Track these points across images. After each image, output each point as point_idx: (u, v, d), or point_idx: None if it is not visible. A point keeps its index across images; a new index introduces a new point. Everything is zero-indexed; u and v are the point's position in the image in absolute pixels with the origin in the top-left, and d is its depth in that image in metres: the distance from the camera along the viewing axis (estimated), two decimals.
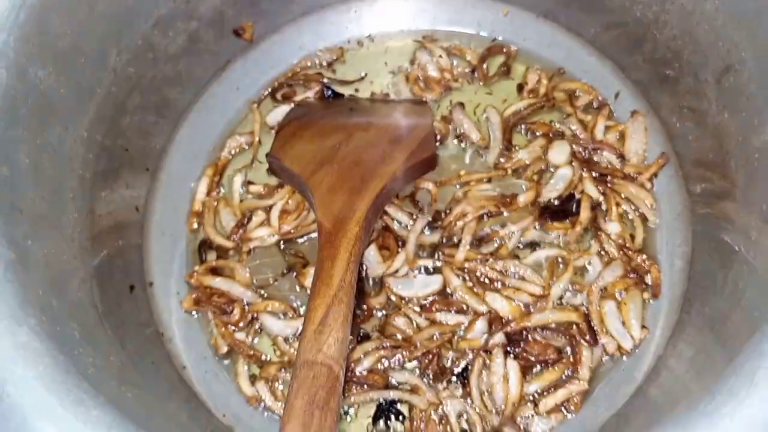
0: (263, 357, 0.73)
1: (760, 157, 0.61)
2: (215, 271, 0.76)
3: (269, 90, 0.86)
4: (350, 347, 0.72)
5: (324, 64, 0.87)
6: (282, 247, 0.78)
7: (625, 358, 0.71)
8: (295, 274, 0.76)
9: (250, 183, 0.81)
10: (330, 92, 0.85)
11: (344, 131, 0.76)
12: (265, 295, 0.75)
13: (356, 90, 0.85)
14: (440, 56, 0.85)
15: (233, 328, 0.73)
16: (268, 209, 0.79)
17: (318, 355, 0.54)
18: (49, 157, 0.58)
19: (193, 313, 0.75)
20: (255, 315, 0.74)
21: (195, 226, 0.79)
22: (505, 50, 0.85)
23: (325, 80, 0.85)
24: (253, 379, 0.72)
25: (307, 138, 0.76)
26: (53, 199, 0.58)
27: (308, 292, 0.73)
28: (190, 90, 0.82)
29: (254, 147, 0.83)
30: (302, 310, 0.74)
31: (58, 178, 0.60)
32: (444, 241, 0.76)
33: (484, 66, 0.85)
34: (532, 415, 0.70)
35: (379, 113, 0.81)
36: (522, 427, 0.69)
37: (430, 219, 0.77)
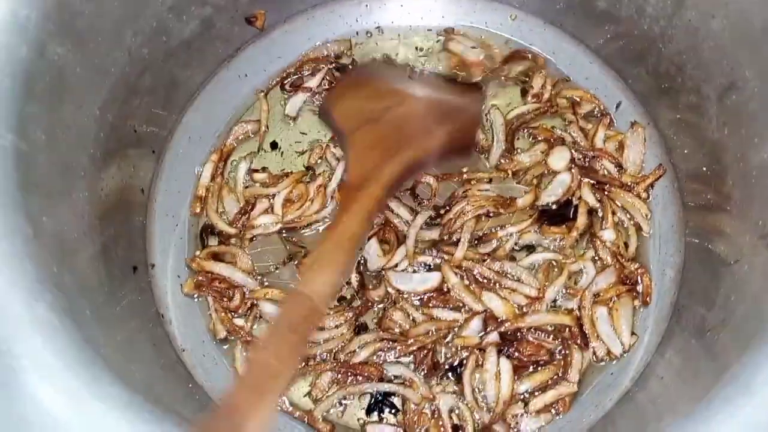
0: None
1: (758, 174, 0.62)
2: (217, 257, 0.76)
3: (277, 79, 0.86)
4: (348, 338, 0.74)
5: (332, 55, 0.88)
6: (284, 235, 0.78)
7: (614, 362, 0.73)
8: (296, 263, 0.77)
9: (255, 171, 0.81)
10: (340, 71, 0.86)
11: (397, 97, 0.77)
12: (266, 282, 0.76)
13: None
14: (472, 47, 0.86)
15: (233, 313, 0.74)
16: (271, 197, 0.80)
17: (305, 287, 0.58)
18: (63, 134, 0.58)
19: (194, 296, 0.75)
20: (255, 302, 0.75)
21: (198, 210, 0.80)
22: (530, 57, 0.86)
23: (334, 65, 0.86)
24: None
25: (362, 95, 0.79)
26: (66, 176, 0.59)
27: None
28: (200, 74, 0.83)
29: (260, 135, 0.84)
30: None
31: (71, 154, 0.60)
32: (443, 238, 0.78)
33: (506, 67, 0.86)
34: (522, 414, 0.72)
35: (435, 87, 0.82)
36: (511, 425, 0.71)
37: (430, 215, 0.78)
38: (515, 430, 0.71)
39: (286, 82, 0.86)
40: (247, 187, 0.81)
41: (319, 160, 0.82)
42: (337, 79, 0.84)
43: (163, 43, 0.74)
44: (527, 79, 0.85)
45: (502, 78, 0.86)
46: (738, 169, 0.67)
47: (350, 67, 0.86)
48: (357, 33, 0.88)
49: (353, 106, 0.77)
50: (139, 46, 0.70)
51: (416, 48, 0.89)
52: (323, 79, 0.86)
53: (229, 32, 0.82)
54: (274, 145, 0.84)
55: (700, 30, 0.68)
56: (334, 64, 0.86)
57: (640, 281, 0.76)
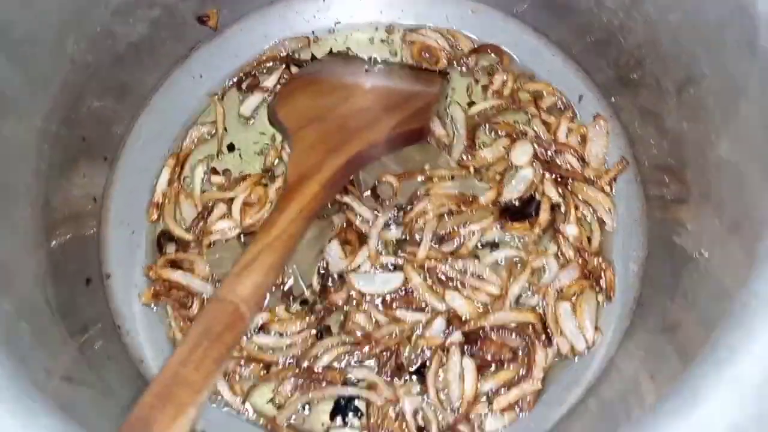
0: None
1: (715, 171, 0.62)
2: (174, 264, 0.75)
3: (234, 80, 0.84)
4: (310, 343, 0.73)
5: (290, 53, 0.86)
6: (243, 240, 0.77)
7: (577, 359, 0.73)
8: None
9: (215, 172, 0.80)
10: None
11: (345, 92, 0.77)
12: None
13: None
14: (436, 41, 0.85)
15: (192, 321, 0.73)
16: (229, 202, 0.78)
17: (229, 293, 0.57)
18: (2, 150, 0.56)
19: (152, 306, 0.74)
20: None
21: (155, 217, 0.78)
22: (494, 54, 0.85)
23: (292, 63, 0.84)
24: None
25: (309, 93, 0.78)
26: (4, 194, 0.57)
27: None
28: (152, 77, 0.81)
29: (219, 139, 0.82)
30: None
31: (11, 171, 0.58)
32: (406, 238, 0.77)
33: (470, 59, 0.85)
34: (486, 414, 0.71)
35: (390, 78, 0.82)
36: (476, 425, 0.71)
37: (392, 215, 0.77)
38: (480, 429, 0.71)
39: (242, 82, 0.85)
40: (204, 191, 0.79)
41: (277, 161, 0.81)
42: (288, 79, 0.82)
43: (110, 47, 0.72)
44: (490, 74, 0.84)
45: (464, 69, 0.85)
46: (697, 161, 0.67)
47: (311, 59, 0.85)
48: (314, 31, 0.86)
49: (300, 104, 0.77)
50: (84, 52, 0.68)
51: (379, 41, 0.87)
52: (280, 77, 0.84)
53: (180, 32, 0.80)
54: (231, 147, 0.82)
55: (658, 24, 0.67)
56: (291, 62, 0.84)
57: (603, 276, 0.76)
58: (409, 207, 0.77)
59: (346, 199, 0.77)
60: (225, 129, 0.82)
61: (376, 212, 0.77)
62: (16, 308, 0.53)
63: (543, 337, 0.73)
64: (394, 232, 0.77)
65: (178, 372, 0.51)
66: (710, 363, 0.51)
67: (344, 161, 0.70)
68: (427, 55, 0.86)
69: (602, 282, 0.76)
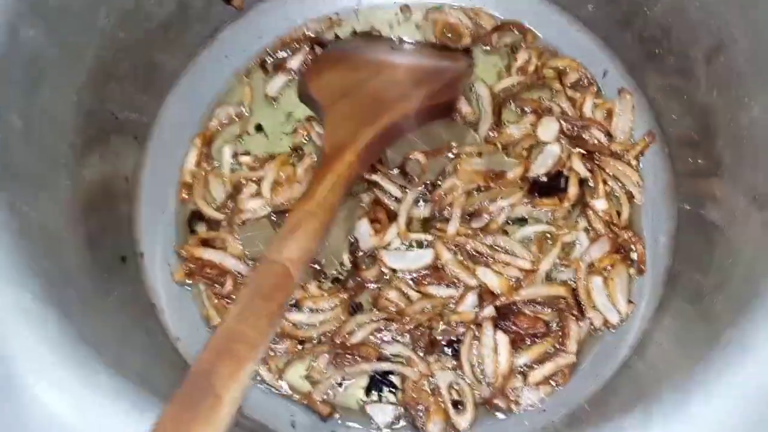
0: None
1: (748, 134, 0.62)
2: (206, 243, 0.75)
3: (259, 59, 0.85)
4: (344, 320, 0.73)
5: (314, 34, 0.86)
6: (274, 219, 0.77)
7: (611, 332, 0.73)
8: None
9: (240, 154, 0.80)
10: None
11: (375, 67, 0.79)
12: None
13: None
14: (459, 18, 0.86)
15: (226, 299, 0.73)
16: (259, 181, 0.78)
17: (277, 255, 0.59)
18: (40, 121, 0.57)
19: (186, 284, 0.74)
20: None
21: (185, 197, 0.78)
22: (518, 31, 0.85)
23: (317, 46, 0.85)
24: None
25: (340, 69, 0.80)
26: (47, 165, 0.57)
27: None
28: (179, 58, 0.81)
29: (244, 119, 0.82)
30: None
31: (51, 142, 0.58)
32: (435, 214, 0.77)
33: (494, 36, 0.85)
34: (522, 387, 0.71)
35: (417, 54, 0.84)
36: (511, 399, 0.71)
37: (420, 191, 0.77)
38: (515, 403, 0.71)
39: (266, 62, 0.85)
40: (233, 171, 0.80)
41: (305, 140, 0.81)
42: (318, 56, 0.83)
43: (140, 25, 0.72)
44: (513, 52, 0.84)
45: (488, 47, 0.85)
46: (728, 131, 0.67)
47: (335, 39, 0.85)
48: (337, 12, 0.87)
49: (330, 82, 0.78)
50: (114, 26, 0.68)
51: (398, 23, 0.87)
52: (305, 59, 0.84)
53: (206, 13, 0.80)
54: (258, 128, 0.82)
55: None
56: (315, 43, 0.85)
57: (634, 249, 0.76)
58: (437, 183, 0.78)
59: (375, 177, 0.77)
60: (250, 110, 0.83)
61: (404, 189, 0.77)
62: (63, 274, 0.53)
63: (575, 310, 0.73)
64: (423, 209, 0.77)
65: (234, 328, 0.52)
66: (742, 332, 0.51)
67: (377, 132, 0.72)
68: (449, 33, 0.86)
69: (633, 255, 0.76)
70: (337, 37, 0.86)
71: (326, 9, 0.87)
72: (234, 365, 0.49)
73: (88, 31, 0.64)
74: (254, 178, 0.78)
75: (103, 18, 0.66)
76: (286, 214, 0.75)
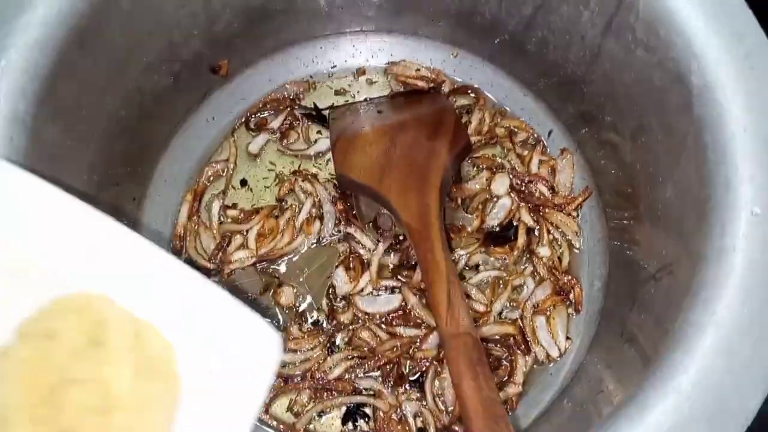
0: None
1: (663, 208, 0.74)
2: None
3: (242, 120, 0.94)
4: (322, 358, 0.83)
5: (292, 96, 0.96)
6: (259, 268, 0.87)
7: (552, 364, 0.85)
8: (271, 292, 0.86)
9: (227, 207, 0.89)
10: (303, 113, 0.94)
11: (386, 136, 0.85)
12: None
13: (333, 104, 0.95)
14: (417, 69, 0.96)
15: None
16: (245, 233, 0.88)
17: (458, 328, 0.65)
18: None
19: None
20: None
21: (178, 247, 0.87)
22: (473, 94, 0.96)
23: (297, 108, 0.95)
24: None
25: (359, 150, 0.85)
26: None
27: (284, 310, 0.84)
28: (171, 124, 0.89)
29: (227, 175, 0.91)
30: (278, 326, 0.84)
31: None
32: (403, 263, 0.88)
33: (451, 99, 0.95)
34: None
35: (405, 109, 0.90)
36: None
37: (391, 243, 0.88)
38: None
39: (250, 122, 0.94)
40: (221, 223, 0.89)
41: (289, 192, 0.90)
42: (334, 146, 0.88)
43: (138, 101, 0.80)
44: (468, 113, 0.95)
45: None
46: (648, 197, 0.78)
47: (313, 107, 0.94)
48: (312, 75, 0.96)
49: (361, 162, 0.83)
50: (117, 108, 0.76)
51: (368, 82, 0.97)
52: (285, 119, 0.94)
53: (196, 82, 0.89)
54: (243, 182, 0.92)
55: (614, 80, 0.78)
56: (297, 108, 0.94)
57: (572, 291, 0.88)
58: (405, 236, 0.88)
59: (350, 230, 0.88)
60: (235, 164, 0.92)
61: (376, 241, 0.88)
62: None
63: (522, 346, 0.85)
64: (393, 258, 0.88)
65: (487, 396, 0.60)
66: (666, 362, 0.59)
67: (438, 191, 0.77)
68: (408, 83, 0.97)
69: (572, 296, 0.88)
70: (315, 106, 0.95)
71: (303, 72, 0.96)
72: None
73: (97, 119, 0.72)
74: (240, 231, 0.88)
75: (109, 104, 0.74)
76: (274, 262, 0.86)
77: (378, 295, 0.87)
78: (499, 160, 0.94)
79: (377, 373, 0.84)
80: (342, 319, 0.85)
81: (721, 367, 0.55)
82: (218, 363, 0.50)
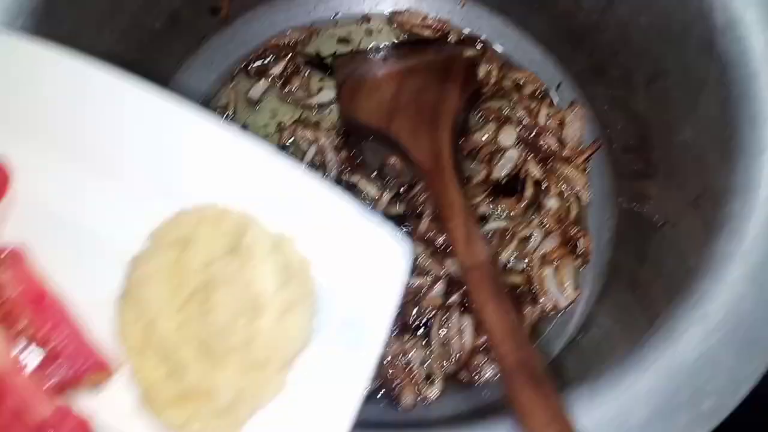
0: None
1: (679, 153, 0.73)
2: None
3: (242, 65, 0.91)
4: None
5: (293, 42, 0.93)
6: None
7: (560, 315, 0.84)
8: None
9: None
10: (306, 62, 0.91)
11: (395, 80, 0.83)
12: None
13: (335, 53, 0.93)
14: (423, 18, 0.94)
15: None
16: None
17: (479, 258, 0.65)
18: None
19: None
20: None
21: None
22: (480, 45, 0.94)
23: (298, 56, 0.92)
24: None
25: (367, 94, 0.83)
26: None
27: None
28: (169, 65, 0.86)
29: (228, 122, 0.88)
30: None
31: None
32: (409, 213, 0.86)
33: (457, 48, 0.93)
34: (483, 362, 0.82)
35: (414, 55, 0.88)
36: (475, 372, 0.81)
37: (396, 192, 0.86)
38: (478, 375, 0.82)
39: (250, 67, 0.91)
40: None
41: (291, 140, 0.88)
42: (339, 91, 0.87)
43: (136, 37, 0.77)
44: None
45: None
46: (662, 145, 0.78)
47: (316, 57, 0.92)
48: (314, 22, 0.93)
49: (368, 105, 0.82)
50: (115, 43, 0.73)
51: (372, 30, 0.95)
52: (286, 66, 0.91)
53: (194, 23, 0.86)
54: (243, 128, 0.89)
55: (629, 25, 0.77)
56: (296, 54, 0.91)
57: (580, 243, 0.87)
58: (412, 185, 0.86)
59: (354, 179, 0.86)
60: (234, 111, 0.89)
61: (381, 190, 0.86)
62: None
63: (529, 296, 0.84)
64: (398, 208, 0.86)
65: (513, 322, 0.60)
66: (672, 318, 0.59)
67: (450, 132, 0.76)
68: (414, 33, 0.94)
69: (580, 248, 0.87)
70: (317, 54, 0.92)
71: (305, 19, 0.93)
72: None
73: (96, 48, 0.68)
74: None
75: (107, 37, 0.71)
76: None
77: None
78: (507, 113, 0.92)
79: None
80: None
81: (752, 296, 0.54)
82: (348, 276, 0.51)
